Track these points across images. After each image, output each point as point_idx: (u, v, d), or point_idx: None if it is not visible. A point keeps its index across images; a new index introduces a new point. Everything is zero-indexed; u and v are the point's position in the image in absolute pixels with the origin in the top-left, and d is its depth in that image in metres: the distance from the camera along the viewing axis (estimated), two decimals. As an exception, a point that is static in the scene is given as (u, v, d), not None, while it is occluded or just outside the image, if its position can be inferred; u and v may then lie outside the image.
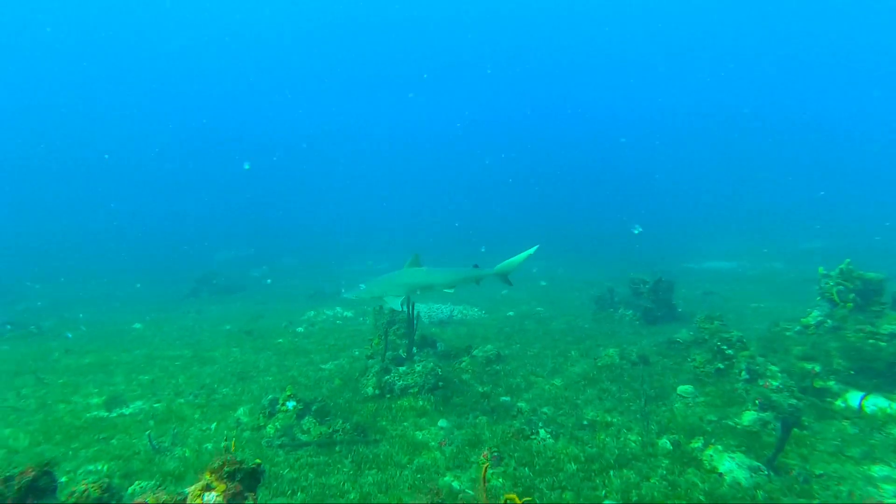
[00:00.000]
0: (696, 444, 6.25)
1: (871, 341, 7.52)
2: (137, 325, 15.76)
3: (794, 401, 6.35)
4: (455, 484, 5.82)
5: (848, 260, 8.68)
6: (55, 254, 36.68)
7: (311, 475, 5.97)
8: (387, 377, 8.51)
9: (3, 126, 63.25)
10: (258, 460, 3.37)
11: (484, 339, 12.10)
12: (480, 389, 8.71)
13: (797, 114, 73.23)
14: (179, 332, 14.72)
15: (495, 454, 6.33)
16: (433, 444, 6.80)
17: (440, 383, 8.42)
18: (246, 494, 3.11)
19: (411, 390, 8.30)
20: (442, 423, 7.40)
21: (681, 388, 7.88)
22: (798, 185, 57.48)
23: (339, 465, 6.22)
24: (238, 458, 3.19)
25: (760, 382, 7.06)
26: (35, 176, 65.80)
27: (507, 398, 8.36)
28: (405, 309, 8.96)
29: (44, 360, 11.73)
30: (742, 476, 5.28)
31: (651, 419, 7.11)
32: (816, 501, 5.07)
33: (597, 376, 9.17)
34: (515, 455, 6.32)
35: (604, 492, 5.52)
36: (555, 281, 23.10)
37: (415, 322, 9.52)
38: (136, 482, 4.84)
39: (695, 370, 8.52)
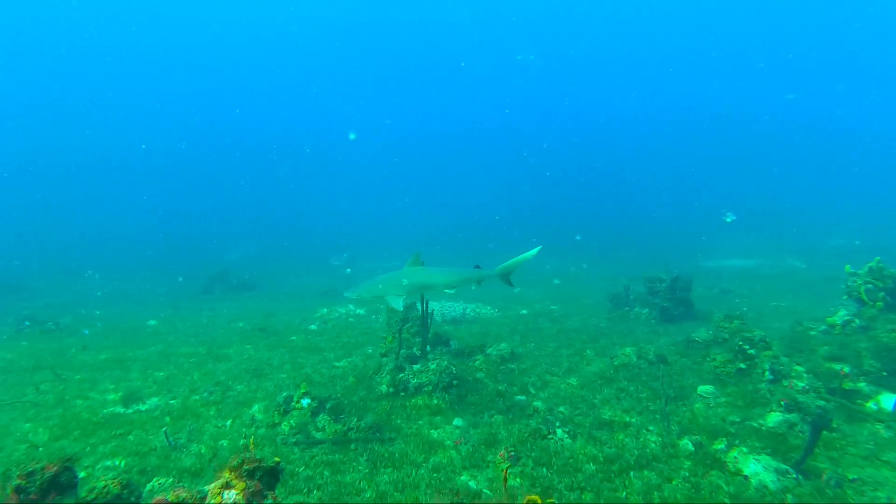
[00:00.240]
0: (719, 445, 6.09)
1: (905, 342, 7.26)
2: (152, 322, 15.91)
3: (822, 402, 6.16)
4: (472, 483, 5.74)
5: (878, 258, 8.40)
6: (72, 251, 37.26)
7: (326, 473, 5.93)
8: (401, 375, 8.45)
9: (20, 125, 64.51)
10: (277, 458, 3.32)
11: (497, 338, 11.99)
12: (495, 388, 8.62)
13: (815, 111, 71.96)
14: (194, 329, 14.82)
15: (512, 454, 6.24)
16: (448, 442, 6.72)
17: (455, 382, 8.34)
18: (265, 493, 3.06)
19: (426, 388, 8.23)
20: (457, 421, 7.32)
21: (701, 388, 7.71)
22: (817, 183, 56.46)
23: (354, 464, 6.17)
24: (257, 457, 3.14)
25: (785, 383, 6.87)
26: (51, 175, 66.96)
27: (523, 397, 8.25)
28: (419, 307, 8.89)
29: (61, 356, 11.87)
30: (769, 479, 5.12)
31: (671, 419, 6.96)
32: (851, 506, 4.91)
33: (613, 376, 9.03)
34: (532, 455, 6.23)
35: (624, 493, 5.40)
36: (568, 279, 22.90)
37: (429, 320, 9.45)
38: (155, 479, 4.83)
39: (715, 370, 8.33)
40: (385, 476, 5.85)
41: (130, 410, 8.22)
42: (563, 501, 5.28)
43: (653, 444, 6.42)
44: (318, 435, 6.87)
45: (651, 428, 6.87)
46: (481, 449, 6.45)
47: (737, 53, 64.47)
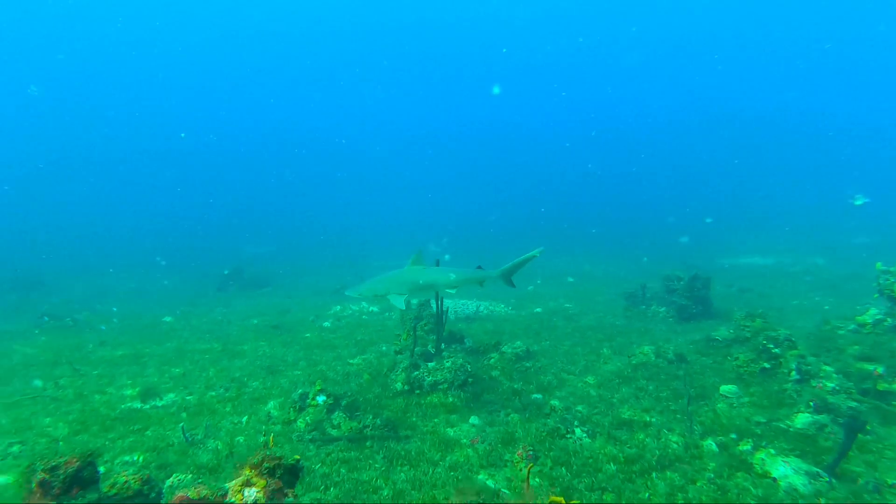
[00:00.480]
0: (745, 446, 5.91)
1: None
2: (168, 319, 16.06)
3: (854, 403, 5.94)
4: (490, 483, 5.65)
5: (912, 255, 8.12)
6: (90, 249, 37.87)
7: (343, 470, 5.88)
8: (416, 373, 8.38)
9: (43, 126, 65.78)
10: (297, 456, 3.26)
11: (512, 336, 11.88)
12: (511, 386, 8.52)
13: (835, 110, 70.50)
14: (209, 326, 14.92)
15: (530, 453, 6.13)
16: (465, 441, 6.64)
17: (470, 380, 8.26)
18: (286, 491, 3.00)
19: (441, 386, 8.15)
20: (473, 420, 7.23)
21: (724, 388, 7.52)
22: (837, 181, 55.24)
23: (370, 461, 6.11)
24: (276, 454, 3.08)
25: (813, 383, 6.65)
26: (70, 174, 68.22)
27: (539, 396, 8.14)
28: (433, 305, 8.80)
29: (79, 352, 12.02)
30: (799, 482, 4.94)
31: (694, 419, 6.79)
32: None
33: (632, 375, 8.88)
34: (551, 454, 6.12)
35: (647, 494, 5.27)
36: (582, 277, 22.67)
37: (443, 318, 9.37)
38: (175, 475, 4.82)
39: (737, 369, 8.13)
40: (402, 474, 5.78)
41: (148, 406, 8.27)
42: (584, 502, 5.17)
43: (675, 445, 6.27)
44: (334, 432, 6.83)
45: (672, 428, 6.72)
46: (498, 448, 6.36)
47: (757, 49, 63.34)
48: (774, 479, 5.12)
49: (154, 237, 44.34)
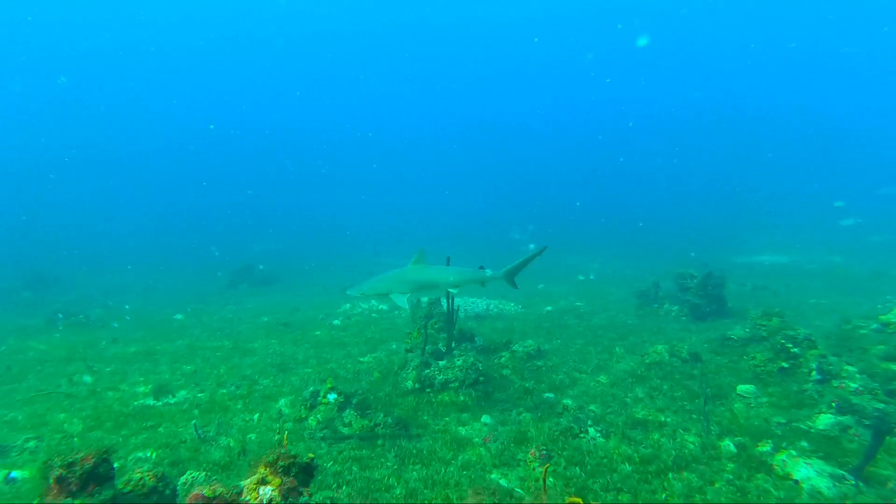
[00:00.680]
0: (764, 447, 5.78)
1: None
2: (179, 316, 16.16)
3: (880, 405, 5.78)
4: (503, 482, 5.59)
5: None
6: (103, 247, 38.31)
7: (354, 469, 5.85)
8: (427, 371, 8.33)
9: (60, 126, 66.69)
10: (311, 454, 3.21)
11: (522, 335, 11.79)
12: (522, 385, 8.44)
13: (850, 107, 69.34)
14: (219, 324, 14.98)
15: (543, 452, 6.06)
16: (477, 440, 6.58)
17: (481, 378, 8.19)
18: (300, 490, 2.95)
19: (452, 385, 8.09)
20: (485, 419, 7.17)
21: (741, 388, 7.38)
22: (853, 179, 54.32)
23: (382, 460, 6.07)
24: (291, 453, 3.04)
25: (835, 383, 6.49)
26: (83, 174, 69.09)
27: (551, 395, 8.05)
28: (443, 303, 8.73)
29: (92, 349, 12.12)
30: (823, 485, 4.81)
31: (710, 419, 6.67)
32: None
33: (645, 374, 8.76)
34: (564, 454, 6.05)
35: (664, 495, 5.18)
36: (592, 275, 22.47)
37: (454, 316, 9.30)
38: (189, 472, 4.81)
39: (754, 369, 7.98)
40: (414, 473, 5.74)
41: (160, 403, 8.30)
42: (600, 502, 5.09)
43: (691, 445, 6.16)
44: (345, 430, 6.80)
45: (688, 428, 6.60)
46: (511, 447, 6.29)
47: (775, 48, 62.42)
48: (797, 482, 4.99)
49: (165, 235, 44.78)
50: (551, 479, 5.54)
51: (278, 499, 2.76)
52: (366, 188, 74.86)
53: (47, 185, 64.20)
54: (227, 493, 2.70)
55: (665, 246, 29.90)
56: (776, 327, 8.46)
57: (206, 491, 2.68)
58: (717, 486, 5.25)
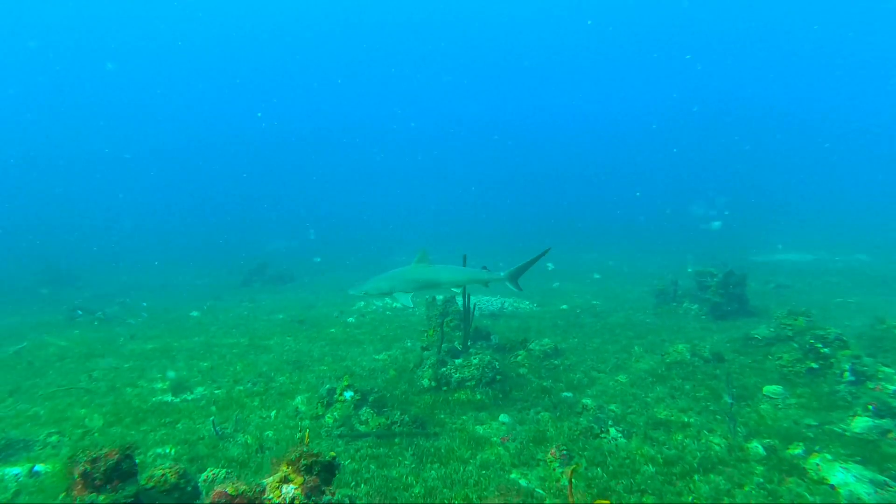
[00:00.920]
0: (796, 450, 5.59)
1: None
2: (195, 314, 16.29)
3: (920, 407, 5.55)
4: (523, 482, 5.49)
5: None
6: (122, 244, 38.92)
7: (372, 467, 5.79)
8: (443, 369, 8.25)
9: (85, 126, 67.93)
10: (333, 453, 3.15)
11: (538, 333, 11.65)
12: (540, 384, 8.31)
13: (874, 105, 67.59)
14: (235, 321, 15.07)
15: (564, 452, 5.93)
16: (495, 439, 6.48)
17: (498, 377, 8.10)
18: (323, 488, 2.89)
19: (468, 383, 8.00)
20: (503, 417, 7.06)
21: (767, 388, 7.16)
22: (882, 177, 52.97)
23: (399, 458, 6.00)
24: (314, 451, 2.97)
25: (871, 385, 6.25)
26: (102, 172, 70.34)
27: (569, 394, 7.91)
28: (459, 301, 8.63)
29: (111, 345, 12.26)
30: (863, 491, 4.61)
31: (737, 421, 6.47)
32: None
33: (666, 373, 8.57)
34: (585, 454, 5.92)
35: (690, 497, 5.02)
36: (608, 273, 22.18)
37: (470, 314, 9.20)
38: (209, 468, 4.79)
39: (781, 369, 7.75)
40: (432, 472, 5.66)
41: (178, 399, 8.34)
42: (624, 505, 4.95)
43: (717, 447, 5.98)
44: (362, 428, 6.74)
45: (713, 429, 6.42)
46: (530, 447, 6.18)
47: (794, 45, 61.09)
48: (833, 487, 4.79)
49: (182, 233, 45.34)
50: (573, 480, 5.41)
51: (301, 497, 2.69)
52: (391, 186, 75.13)
53: (65, 184, 65.49)
54: (249, 491, 2.65)
55: (683, 244, 29.42)
56: (803, 327, 8.20)
57: (229, 489, 2.63)
58: (746, 489, 5.08)
